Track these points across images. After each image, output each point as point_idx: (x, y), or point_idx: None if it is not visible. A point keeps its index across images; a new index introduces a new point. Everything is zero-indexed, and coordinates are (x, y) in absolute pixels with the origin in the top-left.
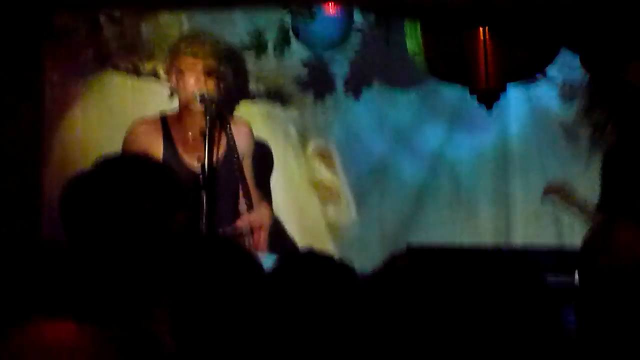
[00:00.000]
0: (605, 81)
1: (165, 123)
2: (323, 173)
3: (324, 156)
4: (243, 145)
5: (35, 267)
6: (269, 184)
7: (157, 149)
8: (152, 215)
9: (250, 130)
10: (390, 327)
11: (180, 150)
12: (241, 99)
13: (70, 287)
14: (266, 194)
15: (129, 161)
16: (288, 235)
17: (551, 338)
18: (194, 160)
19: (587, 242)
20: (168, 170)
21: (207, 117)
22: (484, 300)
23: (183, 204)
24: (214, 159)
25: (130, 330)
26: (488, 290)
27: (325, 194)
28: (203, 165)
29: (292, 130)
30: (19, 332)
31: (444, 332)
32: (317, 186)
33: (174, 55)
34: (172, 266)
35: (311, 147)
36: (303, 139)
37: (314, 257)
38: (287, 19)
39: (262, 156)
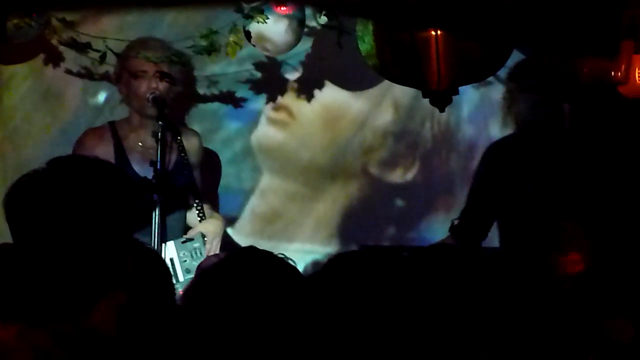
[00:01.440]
0: (557, 79)
1: (115, 130)
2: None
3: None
4: (193, 156)
5: None
6: (217, 193)
7: (108, 157)
8: (100, 212)
9: (200, 141)
10: (334, 322)
11: (130, 157)
12: (193, 104)
13: (12, 286)
14: (215, 204)
15: (79, 162)
16: (235, 242)
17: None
18: (144, 167)
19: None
20: (116, 169)
21: (160, 122)
22: (421, 295)
23: (132, 203)
24: (166, 166)
25: (73, 325)
26: (426, 286)
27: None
28: (156, 171)
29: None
30: None
31: (383, 327)
32: None
33: (125, 59)
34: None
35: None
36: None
37: (255, 255)
38: (240, 21)
39: (212, 166)
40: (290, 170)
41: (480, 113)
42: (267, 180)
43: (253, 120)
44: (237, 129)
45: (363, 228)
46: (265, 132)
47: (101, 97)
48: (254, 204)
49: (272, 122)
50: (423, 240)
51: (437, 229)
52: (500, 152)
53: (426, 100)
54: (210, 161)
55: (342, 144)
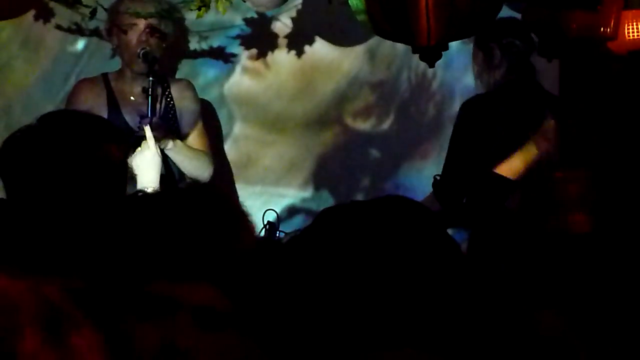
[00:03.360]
0: (547, 32)
1: (108, 82)
2: None
3: None
4: (189, 104)
5: None
6: (221, 139)
7: (101, 108)
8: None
9: (193, 90)
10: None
11: (122, 108)
12: (183, 58)
13: (9, 240)
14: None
15: (70, 116)
16: None
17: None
18: (136, 118)
19: None
20: (107, 123)
21: (150, 77)
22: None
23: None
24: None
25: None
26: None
27: None
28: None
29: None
30: None
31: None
32: None
33: (115, 14)
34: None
35: None
36: None
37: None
38: None
39: (209, 114)
40: (264, 118)
41: (458, 61)
42: (240, 128)
43: (230, 68)
44: (215, 76)
45: (337, 175)
46: (239, 81)
47: (80, 44)
48: (227, 149)
49: (246, 71)
50: (399, 187)
51: (412, 176)
52: (477, 109)
53: (404, 49)
54: (207, 111)
55: (316, 93)
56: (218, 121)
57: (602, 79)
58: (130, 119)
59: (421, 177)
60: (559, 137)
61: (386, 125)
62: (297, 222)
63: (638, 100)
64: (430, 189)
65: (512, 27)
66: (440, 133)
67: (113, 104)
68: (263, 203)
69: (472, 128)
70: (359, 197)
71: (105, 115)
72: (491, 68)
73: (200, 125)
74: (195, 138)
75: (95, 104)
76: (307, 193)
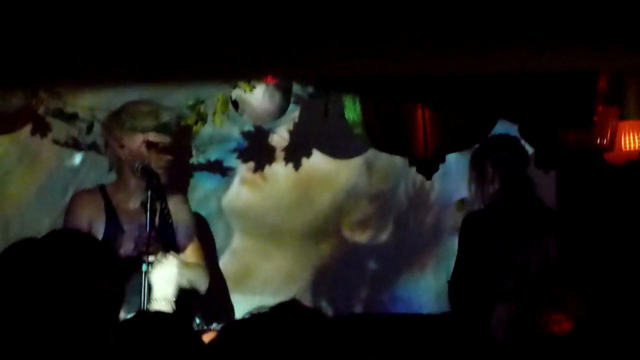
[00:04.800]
0: (544, 144)
1: (105, 193)
2: None
3: None
4: (181, 220)
5: None
6: (215, 255)
7: (99, 219)
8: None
9: (188, 207)
10: None
11: (121, 219)
12: (182, 171)
13: None
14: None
15: (68, 239)
16: None
17: None
18: (134, 227)
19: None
20: (106, 248)
21: (149, 192)
22: None
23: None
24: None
25: None
26: None
27: None
28: (145, 239)
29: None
30: None
31: None
32: None
33: (112, 128)
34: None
35: None
36: None
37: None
38: (227, 90)
39: (203, 230)
40: (262, 230)
41: (456, 172)
42: (238, 240)
43: (228, 181)
44: (213, 189)
45: (335, 287)
46: (237, 193)
47: (77, 158)
48: (226, 261)
49: (244, 183)
50: (397, 299)
51: (410, 288)
52: (477, 225)
53: (401, 161)
54: (201, 225)
55: (314, 205)
56: (212, 235)
57: (599, 190)
58: (129, 227)
59: (418, 289)
60: (556, 254)
61: (384, 236)
62: None
63: (635, 211)
64: (428, 300)
65: (504, 143)
66: (438, 244)
67: (111, 215)
68: None
69: (474, 244)
70: (358, 308)
71: (102, 226)
72: (485, 185)
73: (195, 239)
74: (191, 252)
75: (93, 215)
76: (305, 304)
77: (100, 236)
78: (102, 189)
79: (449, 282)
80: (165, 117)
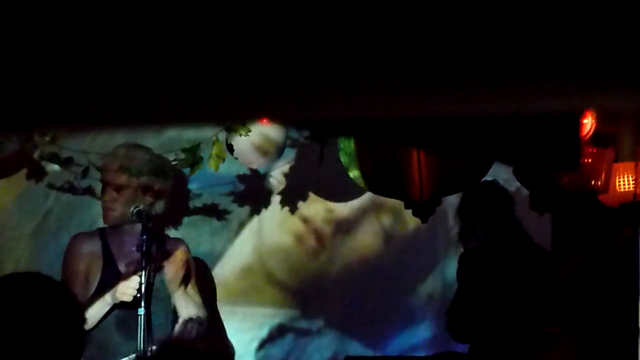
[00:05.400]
0: (538, 186)
1: (104, 236)
2: None
3: None
4: (179, 265)
5: None
6: (215, 303)
7: (96, 262)
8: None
9: (186, 249)
10: None
11: (118, 260)
12: (178, 215)
13: None
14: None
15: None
16: None
17: None
18: (130, 268)
19: None
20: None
21: (144, 236)
22: None
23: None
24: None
25: None
26: None
27: None
28: (141, 286)
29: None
30: None
31: None
32: None
33: (107, 173)
34: None
35: None
36: None
37: None
38: (221, 135)
39: (202, 274)
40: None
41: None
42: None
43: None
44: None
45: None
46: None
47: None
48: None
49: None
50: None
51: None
52: (473, 262)
53: None
54: (200, 269)
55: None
56: (213, 279)
57: (594, 232)
58: (125, 268)
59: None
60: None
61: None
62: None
63: (630, 255)
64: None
65: (480, 191)
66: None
67: (108, 258)
68: None
69: (471, 279)
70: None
71: (100, 270)
72: (468, 232)
73: (192, 281)
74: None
75: (90, 258)
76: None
77: (97, 279)
78: (100, 232)
79: (447, 312)
80: (161, 161)
